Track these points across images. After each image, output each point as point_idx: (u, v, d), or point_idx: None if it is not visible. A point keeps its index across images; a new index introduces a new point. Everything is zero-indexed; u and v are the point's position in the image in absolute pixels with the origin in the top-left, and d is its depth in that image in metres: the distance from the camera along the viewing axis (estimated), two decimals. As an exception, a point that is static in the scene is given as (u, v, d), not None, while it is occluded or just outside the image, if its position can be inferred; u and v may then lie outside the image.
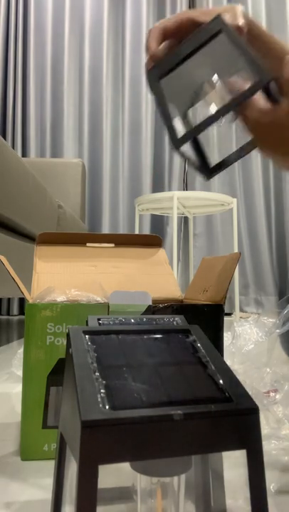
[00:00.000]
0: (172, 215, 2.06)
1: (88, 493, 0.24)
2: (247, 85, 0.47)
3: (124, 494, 0.43)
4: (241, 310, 2.83)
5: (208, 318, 0.57)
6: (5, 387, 0.91)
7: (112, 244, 0.77)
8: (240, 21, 0.54)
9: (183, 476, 0.31)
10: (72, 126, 2.93)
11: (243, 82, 0.49)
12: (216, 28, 0.49)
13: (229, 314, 2.48)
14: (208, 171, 0.50)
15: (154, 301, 0.57)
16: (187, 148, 0.51)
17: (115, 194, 2.93)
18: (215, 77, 0.52)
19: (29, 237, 1.58)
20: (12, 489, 0.46)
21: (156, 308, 0.56)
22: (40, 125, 2.92)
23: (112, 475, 0.46)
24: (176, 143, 0.48)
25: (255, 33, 0.60)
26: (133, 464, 0.30)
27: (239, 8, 0.55)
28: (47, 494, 0.45)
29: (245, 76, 0.50)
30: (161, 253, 0.78)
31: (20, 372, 0.98)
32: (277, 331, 0.72)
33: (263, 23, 2.95)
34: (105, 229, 2.88)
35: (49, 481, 0.48)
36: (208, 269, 0.68)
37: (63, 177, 2.48)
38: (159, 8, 3.03)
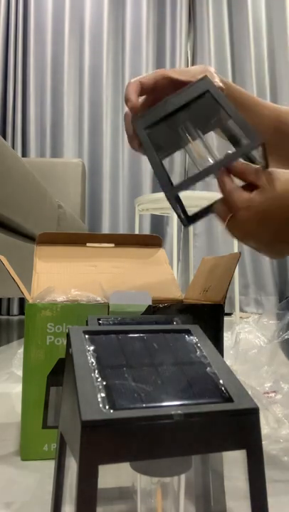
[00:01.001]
0: (172, 215, 2.06)
1: (88, 493, 0.24)
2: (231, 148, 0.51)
3: (124, 494, 0.43)
4: (241, 310, 2.83)
5: (208, 318, 0.57)
6: (5, 387, 0.91)
7: (112, 244, 0.77)
8: (219, 83, 0.58)
9: (183, 476, 0.31)
10: (72, 126, 2.93)
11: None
12: (204, 87, 0.52)
13: (229, 314, 2.48)
14: (187, 218, 0.52)
15: (154, 301, 0.57)
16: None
17: (115, 194, 2.92)
18: (198, 133, 0.54)
19: (29, 237, 1.58)
20: (12, 489, 0.46)
21: (156, 308, 0.56)
22: (40, 125, 2.92)
23: (112, 475, 0.46)
24: (171, 191, 0.50)
25: (230, 92, 0.63)
26: (133, 464, 0.30)
27: (212, 69, 0.59)
28: (47, 494, 0.45)
29: (227, 134, 0.54)
30: (161, 253, 0.78)
31: (20, 372, 0.98)
32: (279, 339, 0.72)
33: (263, 24, 2.95)
34: (105, 229, 2.88)
35: (49, 481, 0.48)
36: (208, 269, 0.68)
37: (63, 177, 2.48)
38: (159, 8, 3.03)
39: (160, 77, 0.57)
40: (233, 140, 0.53)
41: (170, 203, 0.51)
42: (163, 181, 0.50)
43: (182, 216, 0.53)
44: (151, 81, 0.57)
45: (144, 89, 0.57)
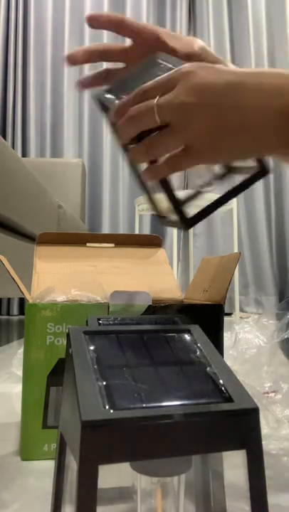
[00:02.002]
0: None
1: (88, 493, 0.24)
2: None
3: (124, 494, 0.43)
4: (241, 310, 2.83)
5: (208, 318, 0.57)
6: (5, 387, 0.91)
7: (112, 244, 0.77)
8: (196, 47, 0.52)
9: (183, 476, 0.31)
10: (72, 126, 2.93)
11: None
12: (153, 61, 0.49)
13: (229, 314, 2.48)
14: (186, 221, 0.48)
15: (154, 301, 0.57)
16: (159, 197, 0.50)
17: (115, 194, 2.92)
18: None
19: (29, 237, 1.58)
20: (12, 489, 0.46)
21: (156, 308, 0.56)
22: (40, 125, 2.92)
23: (112, 475, 0.46)
24: (187, 223, 0.47)
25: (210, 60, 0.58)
26: (133, 464, 0.30)
27: (201, 42, 0.54)
28: (47, 494, 0.45)
29: None
30: (161, 253, 0.78)
31: (20, 372, 0.98)
32: (278, 339, 0.72)
33: (263, 23, 2.95)
34: (105, 229, 2.88)
35: (49, 481, 0.48)
36: (208, 269, 0.68)
37: (63, 177, 2.48)
38: (159, 8, 3.03)
39: (149, 31, 0.53)
40: None
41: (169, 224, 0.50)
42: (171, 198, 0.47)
43: (182, 219, 0.50)
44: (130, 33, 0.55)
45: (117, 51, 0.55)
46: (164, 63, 0.49)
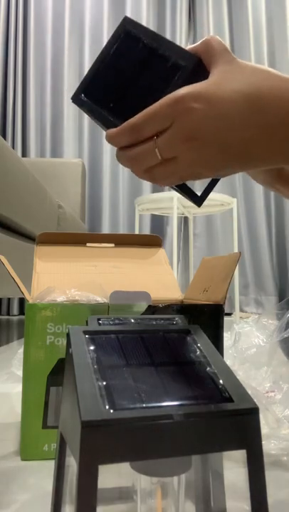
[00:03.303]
0: (172, 215, 2.06)
1: (88, 493, 0.24)
2: None
3: (124, 494, 0.43)
4: (241, 310, 2.83)
5: (208, 318, 0.57)
6: (5, 387, 0.91)
7: (112, 244, 0.77)
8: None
9: (183, 476, 0.31)
10: (72, 126, 2.93)
11: None
12: (122, 30, 0.46)
13: (229, 314, 2.48)
14: (198, 198, 0.49)
15: (154, 301, 0.57)
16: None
17: (115, 194, 2.92)
18: None
19: (29, 237, 1.58)
20: (12, 489, 0.46)
21: (156, 308, 0.56)
22: (40, 125, 2.92)
23: (112, 475, 0.46)
24: (200, 201, 0.48)
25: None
26: (133, 464, 0.30)
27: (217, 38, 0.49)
28: (47, 494, 0.45)
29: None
30: (161, 253, 0.78)
31: (20, 372, 0.98)
32: (278, 338, 0.72)
33: (263, 23, 2.95)
34: (105, 229, 2.88)
35: (49, 481, 0.48)
36: (208, 269, 0.68)
37: (63, 177, 2.48)
38: (159, 8, 3.03)
39: None
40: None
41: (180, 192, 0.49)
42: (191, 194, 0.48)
43: (194, 200, 0.49)
44: None
45: None
46: (152, 46, 0.44)
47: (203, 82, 0.40)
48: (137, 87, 0.45)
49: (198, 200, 0.48)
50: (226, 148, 0.39)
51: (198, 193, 0.49)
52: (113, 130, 0.43)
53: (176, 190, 0.48)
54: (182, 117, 0.39)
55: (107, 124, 0.45)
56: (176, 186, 0.47)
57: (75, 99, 0.47)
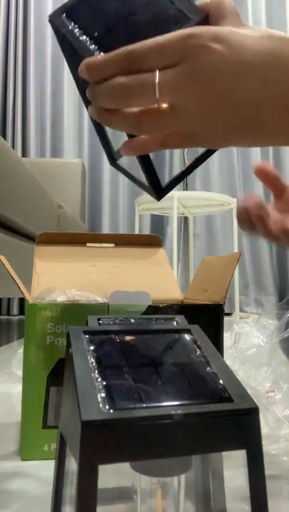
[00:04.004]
0: (172, 215, 2.06)
1: (88, 493, 0.24)
2: None
3: (124, 494, 0.43)
4: (241, 310, 2.83)
5: (208, 318, 0.57)
6: (5, 387, 0.91)
7: (112, 244, 0.77)
8: None
9: (183, 476, 0.31)
10: (72, 126, 2.93)
11: None
12: None
13: (229, 314, 2.48)
14: (160, 189, 0.43)
15: (154, 301, 0.57)
16: (136, 167, 0.44)
17: (115, 194, 2.92)
18: None
19: (29, 237, 1.58)
20: (12, 489, 0.46)
21: (156, 308, 0.56)
22: (40, 125, 2.92)
23: (112, 475, 0.46)
24: (160, 194, 0.43)
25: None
26: (133, 464, 0.30)
27: None
28: (47, 494, 0.45)
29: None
30: (161, 253, 0.78)
31: (20, 372, 0.97)
32: (278, 338, 0.72)
33: (263, 24, 2.95)
34: (105, 229, 2.87)
35: (49, 482, 0.48)
36: (208, 269, 0.68)
37: (63, 177, 2.48)
38: (159, 8, 3.03)
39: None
40: None
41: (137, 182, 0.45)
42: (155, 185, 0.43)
43: (156, 189, 0.44)
44: None
45: None
46: None
47: (220, 26, 0.34)
48: (131, 24, 0.37)
49: (160, 192, 0.43)
50: (236, 106, 0.33)
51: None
52: (99, 56, 0.34)
53: (133, 179, 0.44)
54: (195, 55, 0.32)
55: (84, 54, 0.36)
56: (142, 161, 0.41)
57: (54, 18, 0.39)
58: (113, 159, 0.48)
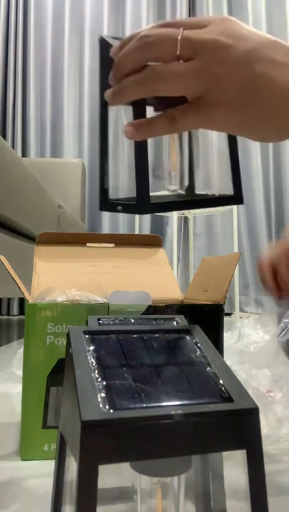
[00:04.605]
0: (172, 215, 2.06)
1: (88, 493, 0.24)
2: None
3: (124, 494, 0.43)
4: (241, 310, 2.83)
5: (208, 318, 0.57)
6: (5, 387, 0.91)
7: (112, 244, 0.77)
8: None
9: (183, 476, 0.31)
10: (72, 126, 2.93)
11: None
12: None
13: (229, 314, 2.48)
14: (145, 206, 0.41)
15: (154, 301, 0.57)
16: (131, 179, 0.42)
17: (115, 194, 2.92)
18: None
19: (29, 237, 1.58)
20: (12, 489, 0.46)
21: (156, 308, 0.56)
22: (40, 125, 2.92)
23: (112, 475, 0.46)
24: (144, 208, 0.41)
25: None
26: (133, 464, 0.30)
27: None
28: (47, 494, 0.45)
29: None
30: (161, 253, 0.78)
31: (20, 372, 0.97)
32: (279, 338, 0.72)
33: (263, 24, 2.95)
34: (105, 229, 2.87)
35: (49, 481, 0.48)
36: (208, 269, 0.68)
37: (63, 177, 2.48)
38: (159, 8, 3.03)
39: None
40: None
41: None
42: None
43: (141, 201, 0.42)
44: None
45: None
46: None
47: None
48: None
49: (144, 205, 0.41)
50: (253, 74, 0.34)
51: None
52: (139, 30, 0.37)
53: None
54: (221, 20, 0.35)
55: None
56: (137, 163, 0.40)
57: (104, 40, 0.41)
58: (106, 201, 0.45)
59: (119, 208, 0.44)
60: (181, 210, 0.51)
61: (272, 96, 0.34)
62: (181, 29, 0.35)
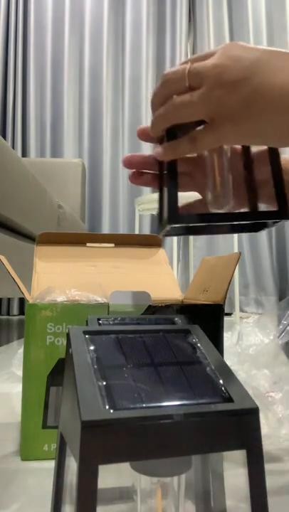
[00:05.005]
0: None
1: (88, 493, 0.24)
2: None
3: (124, 494, 0.43)
4: (241, 310, 2.83)
5: (208, 318, 0.57)
6: (5, 387, 0.91)
7: (112, 244, 0.77)
8: None
9: (183, 476, 0.31)
10: (72, 126, 2.93)
11: None
12: None
13: (229, 314, 2.48)
14: (175, 213, 0.43)
15: (154, 301, 0.57)
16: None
17: (115, 194, 2.92)
18: None
19: (29, 237, 1.58)
20: (12, 489, 0.46)
21: (156, 308, 0.56)
22: (40, 125, 2.92)
23: (112, 475, 0.46)
24: (171, 219, 0.43)
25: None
26: (133, 464, 0.30)
27: None
28: (47, 494, 0.45)
29: None
30: (161, 253, 0.78)
31: (20, 372, 0.97)
32: (280, 338, 0.72)
33: (263, 24, 2.95)
34: (105, 229, 2.87)
35: (49, 481, 0.48)
36: (208, 269, 0.68)
37: (63, 177, 2.48)
38: (159, 8, 3.03)
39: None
40: None
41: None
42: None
43: (170, 210, 0.44)
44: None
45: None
46: None
47: None
48: None
49: (173, 217, 0.43)
50: (254, 90, 0.38)
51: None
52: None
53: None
54: (223, 48, 0.40)
55: None
56: (170, 181, 0.43)
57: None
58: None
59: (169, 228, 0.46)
60: (217, 222, 0.50)
61: (272, 101, 0.37)
62: (189, 63, 0.41)
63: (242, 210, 0.47)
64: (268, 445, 0.56)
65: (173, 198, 0.43)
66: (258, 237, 2.89)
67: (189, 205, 0.51)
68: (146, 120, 2.93)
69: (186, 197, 0.49)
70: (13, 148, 2.84)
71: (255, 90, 0.38)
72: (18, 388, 0.90)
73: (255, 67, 0.38)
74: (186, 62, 0.42)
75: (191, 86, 0.40)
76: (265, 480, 0.27)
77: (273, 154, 0.44)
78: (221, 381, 0.30)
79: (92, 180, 2.92)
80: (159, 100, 0.43)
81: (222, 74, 0.38)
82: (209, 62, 0.39)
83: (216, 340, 0.57)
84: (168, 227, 0.45)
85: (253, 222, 0.45)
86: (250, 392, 0.59)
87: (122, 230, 2.89)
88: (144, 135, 0.48)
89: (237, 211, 0.46)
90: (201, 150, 0.44)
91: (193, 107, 0.40)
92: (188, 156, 0.49)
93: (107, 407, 0.26)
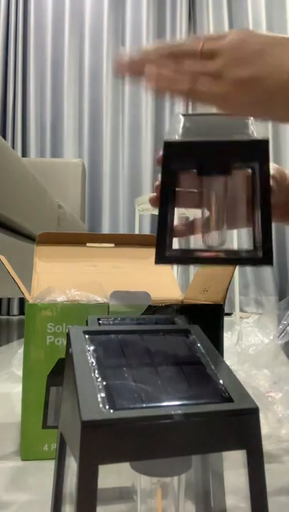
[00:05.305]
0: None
1: (88, 493, 0.24)
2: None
3: (124, 494, 0.43)
4: (241, 310, 2.83)
5: (208, 318, 0.57)
6: (5, 387, 0.91)
7: (112, 244, 0.77)
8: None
9: (183, 476, 0.31)
10: (72, 126, 2.93)
11: None
12: None
13: (229, 314, 2.48)
14: (162, 251, 0.39)
15: (154, 301, 0.57)
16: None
17: (115, 194, 2.92)
18: None
19: (29, 237, 1.58)
20: (12, 489, 0.46)
21: (156, 308, 0.56)
22: (40, 125, 2.92)
23: (112, 475, 0.46)
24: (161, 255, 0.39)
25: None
26: (133, 464, 0.30)
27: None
28: (47, 494, 0.45)
29: None
30: (161, 253, 0.78)
31: (20, 372, 0.97)
32: (280, 338, 0.72)
33: (263, 24, 2.95)
34: (105, 229, 2.87)
35: (49, 481, 0.48)
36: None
37: (63, 177, 2.48)
38: (159, 8, 3.03)
39: None
40: None
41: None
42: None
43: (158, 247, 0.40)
44: None
45: None
46: None
47: None
48: None
49: (161, 254, 0.39)
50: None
51: None
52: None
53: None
54: (239, 30, 0.39)
55: None
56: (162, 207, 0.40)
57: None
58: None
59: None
60: (203, 264, 0.49)
61: (283, 75, 0.36)
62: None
63: (228, 248, 0.45)
64: (267, 445, 0.56)
65: (162, 236, 0.40)
66: (258, 237, 2.89)
67: (187, 225, 0.47)
68: (146, 120, 2.93)
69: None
70: (13, 148, 2.84)
71: (267, 64, 0.37)
72: (18, 388, 0.90)
73: (272, 46, 0.37)
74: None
75: (204, 54, 0.38)
76: (265, 480, 0.27)
77: (265, 200, 0.41)
78: (220, 381, 0.30)
79: (92, 180, 2.92)
80: (163, 53, 0.40)
81: (238, 47, 0.38)
82: (227, 37, 0.38)
83: (216, 340, 0.57)
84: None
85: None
86: (250, 392, 0.59)
87: (122, 230, 2.89)
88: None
89: (223, 257, 0.43)
90: (198, 99, 0.41)
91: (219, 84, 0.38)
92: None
93: (107, 407, 0.26)
